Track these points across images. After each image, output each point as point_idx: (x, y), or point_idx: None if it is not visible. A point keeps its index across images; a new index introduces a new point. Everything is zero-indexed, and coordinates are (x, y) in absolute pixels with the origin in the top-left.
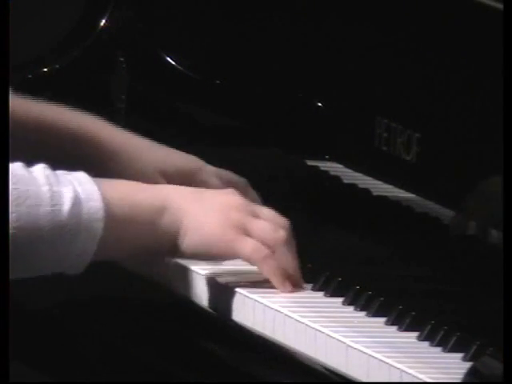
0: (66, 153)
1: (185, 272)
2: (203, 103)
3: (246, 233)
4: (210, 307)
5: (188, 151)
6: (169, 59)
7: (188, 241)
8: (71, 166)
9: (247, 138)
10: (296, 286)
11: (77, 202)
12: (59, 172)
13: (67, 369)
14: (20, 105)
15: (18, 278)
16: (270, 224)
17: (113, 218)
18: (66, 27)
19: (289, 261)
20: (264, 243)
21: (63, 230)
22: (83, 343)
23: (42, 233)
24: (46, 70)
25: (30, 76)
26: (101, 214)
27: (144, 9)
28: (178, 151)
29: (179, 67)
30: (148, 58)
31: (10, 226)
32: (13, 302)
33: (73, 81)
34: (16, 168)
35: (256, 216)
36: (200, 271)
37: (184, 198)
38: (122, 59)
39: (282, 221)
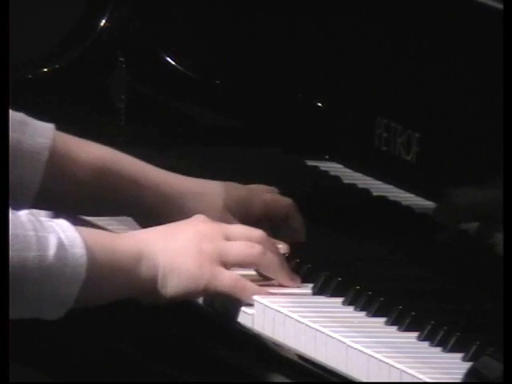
0: (124, 200)
1: None
2: (203, 103)
3: (223, 261)
4: (210, 307)
5: (188, 151)
6: (169, 59)
7: (168, 285)
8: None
9: (247, 138)
10: (294, 282)
11: (61, 247)
12: (42, 218)
13: (67, 369)
14: (79, 147)
15: None
16: (243, 243)
17: (94, 265)
18: (66, 27)
19: (275, 269)
20: (244, 265)
21: (49, 275)
22: (83, 344)
23: (28, 276)
24: (45, 69)
25: (29, 76)
26: (84, 259)
27: (144, 9)
28: (235, 184)
29: (179, 67)
30: (148, 58)
31: None
32: None
33: (73, 81)
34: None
35: (228, 239)
36: None
37: (156, 240)
38: (121, 59)
39: (256, 234)
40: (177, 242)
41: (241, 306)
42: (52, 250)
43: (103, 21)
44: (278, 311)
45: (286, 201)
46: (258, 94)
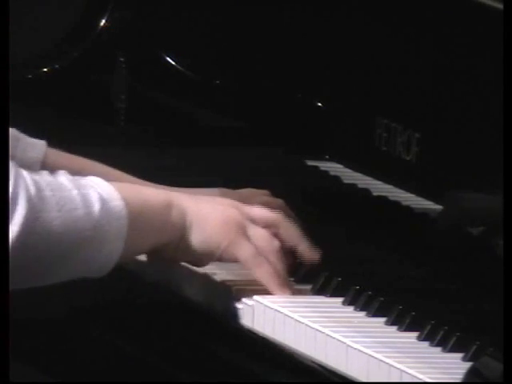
0: None
1: (184, 272)
2: (203, 103)
3: (246, 235)
4: (210, 307)
5: (188, 151)
6: (169, 59)
7: (191, 238)
8: None
9: (247, 138)
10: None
11: (103, 201)
12: (77, 177)
13: (67, 369)
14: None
15: (51, 283)
16: (267, 233)
17: (131, 216)
18: (66, 27)
19: (280, 268)
20: (261, 250)
21: (99, 229)
22: (83, 343)
23: (81, 235)
24: (45, 69)
25: (29, 76)
26: (124, 212)
27: (144, 9)
28: (226, 190)
29: (179, 67)
30: (148, 58)
31: (55, 232)
32: (13, 302)
33: (73, 81)
34: (45, 176)
35: (255, 222)
36: (199, 270)
37: (187, 198)
38: (121, 59)
39: (276, 201)
40: (206, 203)
41: (240, 306)
42: (97, 206)
43: (103, 21)
44: (278, 311)
45: (277, 202)
46: (258, 94)
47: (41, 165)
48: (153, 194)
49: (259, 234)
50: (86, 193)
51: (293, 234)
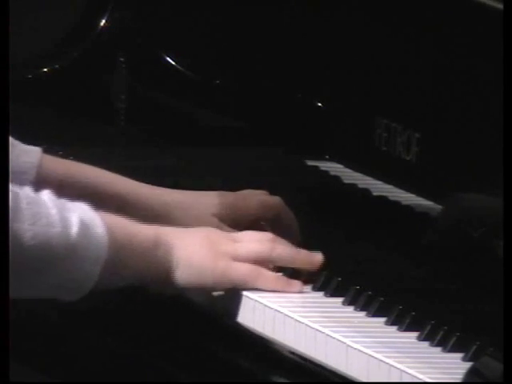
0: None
1: None
2: (203, 103)
3: (235, 259)
4: (210, 307)
5: (188, 151)
6: (169, 59)
7: (181, 273)
8: None
9: (247, 138)
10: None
11: (83, 226)
12: (64, 200)
13: (67, 369)
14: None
15: (17, 297)
16: (253, 241)
17: (115, 245)
18: (66, 27)
19: (288, 258)
20: (257, 261)
21: (73, 252)
22: (83, 344)
23: (54, 252)
24: (45, 69)
25: (29, 76)
26: (105, 239)
27: (144, 9)
28: (222, 192)
29: (179, 67)
30: (148, 57)
31: (25, 244)
32: (13, 302)
33: (73, 81)
34: (26, 191)
35: (239, 241)
36: None
37: (172, 231)
38: (122, 59)
39: (263, 236)
40: (192, 237)
41: (240, 305)
42: (75, 228)
43: (103, 21)
44: (278, 311)
45: (275, 200)
46: (258, 94)
47: (36, 171)
48: (141, 230)
49: (247, 248)
50: (65, 215)
51: (284, 253)
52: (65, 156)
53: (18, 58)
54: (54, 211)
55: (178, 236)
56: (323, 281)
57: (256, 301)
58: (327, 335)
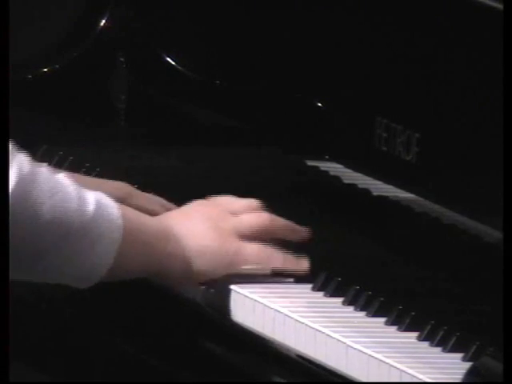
0: None
1: None
2: (203, 103)
3: (240, 235)
4: (210, 307)
5: (188, 151)
6: (169, 59)
7: (194, 266)
8: None
9: (247, 138)
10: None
11: (99, 206)
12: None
13: (67, 369)
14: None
15: (31, 279)
16: (251, 214)
17: (129, 232)
18: (66, 27)
19: (287, 229)
20: (258, 234)
21: (89, 229)
22: (83, 344)
23: (70, 228)
24: (45, 69)
25: (29, 76)
26: (120, 221)
27: (144, 9)
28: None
29: (179, 67)
30: (148, 57)
31: (42, 216)
32: (13, 301)
33: (73, 81)
34: (43, 169)
35: (234, 214)
36: None
37: (178, 223)
38: (122, 59)
39: (255, 203)
40: (196, 225)
41: (240, 305)
42: (92, 206)
43: (103, 21)
44: (278, 311)
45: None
46: (258, 94)
47: None
48: (151, 219)
49: (247, 220)
50: (82, 192)
51: (283, 225)
52: (65, 156)
53: (17, 58)
54: (71, 188)
55: (184, 225)
56: (323, 281)
57: (256, 301)
58: (327, 335)
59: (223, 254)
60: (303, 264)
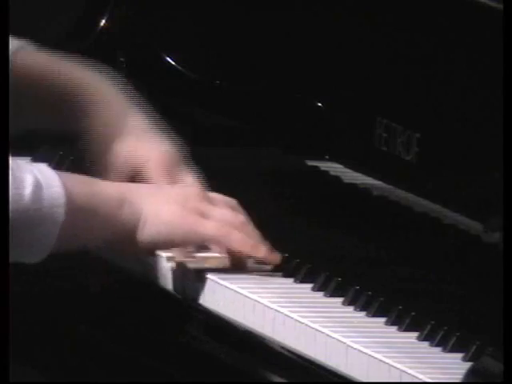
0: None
1: (183, 270)
2: (203, 103)
3: (206, 217)
4: (210, 306)
5: (188, 151)
6: (169, 59)
7: (148, 230)
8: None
9: (247, 138)
10: (271, 255)
11: (38, 187)
12: (20, 161)
13: (67, 369)
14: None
15: None
16: (229, 211)
17: (73, 206)
18: (66, 27)
19: (256, 240)
20: (225, 230)
21: (26, 214)
22: (83, 344)
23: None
24: None
25: None
26: (62, 200)
27: (144, 9)
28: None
29: (179, 67)
30: (148, 57)
31: None
32: (13, 302)
33: None
34: None
35: (214, 204)
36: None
37: (142, 191)
38: (122, 59)
39: (236, 203)
40: (161, 197)
41: (240, 305)
42: (28, 189)
43: (103, 21)
44: (278, 311)
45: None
46: (258, 93)
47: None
48: (106, 189)
49: (221, 212)
50: (19, 175)
51: (254, 235)
52: (65, 156)
53: None
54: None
55: (146, 192)
56: (323, 281)
57: (256, 301)
58: (327, 335)
59: (178, 224)
60: (260, 252)
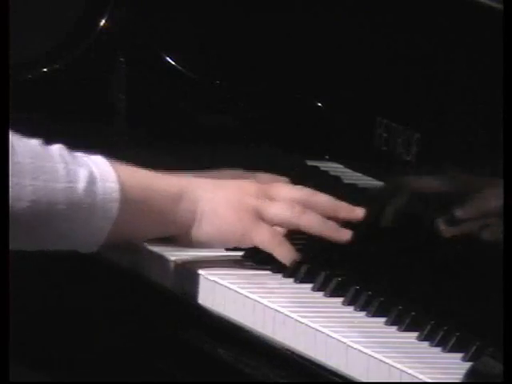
0: None
1: (183, 270)
2: (203, 103)
3: (262, 218)
4: (210, 306)
5: (188, 151)
6: (169, 59)
7: (204, 229)
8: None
9: (247, 138)
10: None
11: (92, 181)
12: (77, 153)
13: (67, 369)
14: None
15: (30, 250)
16: (284, 203)
17: (128, 201)
18: (66, 27)
19: (316, 228)
20: (284, 224)
21: (79, 208)
22: (83, 344)
23: (57, 208)
24: (45, 69)
25: (30, 76)
26: (116, 195)
27: (144, 9)
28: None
29: (179, 67)
30: (148, 57)
31: (26, 199)
32: (13, 301)
33: (73, 81)
34: (33, 144)
35: (272, 199)
36: (200, 271)
37: (200, 186)
38: (122, 59)
39: (299, 194)
40: (219, 192)
41: (240, 305)
42: (82, 183)
43: (103, 21)
44: (278, 311)
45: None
46: (258, 94)
47: None
48: (163, 183)
49: (276, 208)
50: (73, 168)
51: (313, 222)
52: None
53: (18, 58)
54: (60, 166)
55: (204, 188)
56: (323, 281)
57: (256, 301)
58: (327, 335)
59: (234, 226)
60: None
